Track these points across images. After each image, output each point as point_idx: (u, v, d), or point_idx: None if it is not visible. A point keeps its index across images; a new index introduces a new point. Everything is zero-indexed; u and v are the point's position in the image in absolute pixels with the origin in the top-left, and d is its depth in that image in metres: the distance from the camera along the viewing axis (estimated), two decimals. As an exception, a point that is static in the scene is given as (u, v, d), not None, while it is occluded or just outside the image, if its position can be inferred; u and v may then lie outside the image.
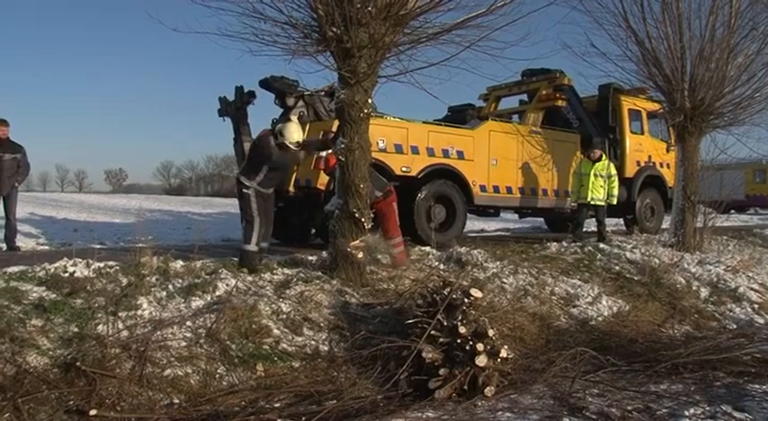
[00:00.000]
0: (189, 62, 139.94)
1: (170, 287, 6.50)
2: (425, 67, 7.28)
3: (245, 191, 7.76)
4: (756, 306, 9.44)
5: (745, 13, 11.37)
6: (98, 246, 9.27)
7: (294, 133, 7.79)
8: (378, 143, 10.03)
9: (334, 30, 6.79)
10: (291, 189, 10.19)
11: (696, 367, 6.27)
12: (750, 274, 10.67)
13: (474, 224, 15.82)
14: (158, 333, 5.53)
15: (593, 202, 11.90)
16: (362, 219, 7.32)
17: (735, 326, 8.65)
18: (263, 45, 7.05)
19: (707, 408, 5.02)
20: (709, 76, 11.46)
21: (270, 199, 8.06)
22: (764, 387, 5.57)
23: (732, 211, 22.26)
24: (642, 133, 14.48)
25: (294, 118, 8.51)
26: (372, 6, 6.73)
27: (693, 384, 5.84)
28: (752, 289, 10.01)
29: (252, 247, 7.66)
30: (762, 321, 8.98)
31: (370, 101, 7.33)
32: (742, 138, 12.97)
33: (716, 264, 10.77)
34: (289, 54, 7.17)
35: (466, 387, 5.33)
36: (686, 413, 4.93)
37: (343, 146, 7.32)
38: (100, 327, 5.45)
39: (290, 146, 7.76)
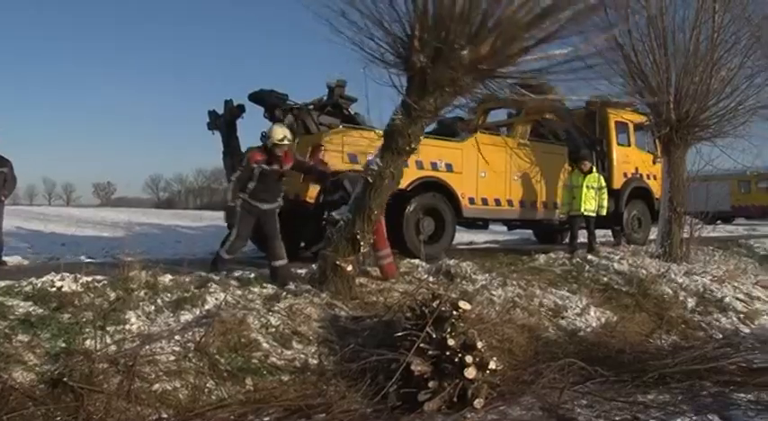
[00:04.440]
0: (178, 75, 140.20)
1: (159, 301, 6.47)
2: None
3: (230, 204, 8.07)
4: (742, 315, 9.54)
5: (727, 28, 11.53)
6: (86, 260, 9.23)
7: (278, 132, 7.97)
8: (367, 156, 10.08)
9: (423, 60, 6.63)
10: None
11: (683, 377, 6.32)
12: (735, 284, 10.77)
13: (463, 236, 15.83)
14: (147, 347, 5.51)
15: (585, 213, 11.99)
16: (362, 242, 7.34)
17: (721, 336, 8.72)
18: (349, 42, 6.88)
19: (694, 418, 5.08)
20: (694, 89, 11.62)
21: (266, 214, 8.18)
22: (749, 395, 5.63)
23: (718, 222, 22.45)
24: (629, 145, 14.58)
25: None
26: (467, 59, 6.51)
27: (681, 394, 5.88)
28: (737, 298, 10.10)
29: (222, 254, 8.14)
30: (747, 330, 9.07)
31: (420, 138, 7.29)
32: (726, 149, 13.13)
33: (702, 274, 10.87)
34: (367, 60, 7.03)
35: (455, 399, 5.35)
36: (673, 423, 4.98)
37: (375, 168, 7.24)
38: (87, 342, 5.42)
39: (277, 143, 7.89)
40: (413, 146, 7.20)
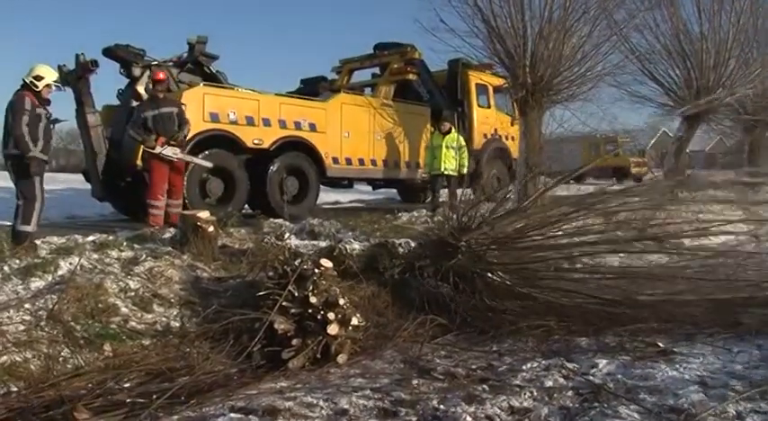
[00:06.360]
0: (30, 22, 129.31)
1: (6, 268, 6.15)
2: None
3: (33, 154, 7.24)
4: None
5: (578, -3, 12.16)
6: None
7: (53, 72, 7.52)
8: (228, 115, 9.90)
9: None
10: (139, 162, 9.79)
11: (536, 327, 6.70)
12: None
13: (329, 196, 15.94)
14: (-8, 318, 5.22)
15: (446, 172, 12.41)
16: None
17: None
18: None
19: (543, 362, 5.43)
20: (548, 54, 12.20)
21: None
22: (590, 340, 6.09)
23: (571, 181, 23.84)
24: (489, 107, 15.16)
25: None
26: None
27: (533, 342, 6.26)
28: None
29: (32, 228, 7.19)
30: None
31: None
32: (577, 113, 13.95)
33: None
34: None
35: (319, 356, 5.42)
36: (524, 367, 5.31)
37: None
38: None
39: (52, 83, 7.42)
40: None
